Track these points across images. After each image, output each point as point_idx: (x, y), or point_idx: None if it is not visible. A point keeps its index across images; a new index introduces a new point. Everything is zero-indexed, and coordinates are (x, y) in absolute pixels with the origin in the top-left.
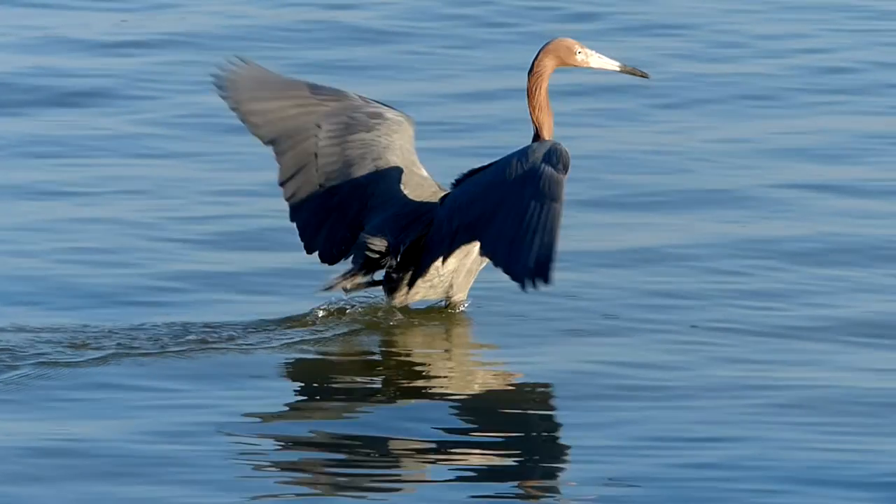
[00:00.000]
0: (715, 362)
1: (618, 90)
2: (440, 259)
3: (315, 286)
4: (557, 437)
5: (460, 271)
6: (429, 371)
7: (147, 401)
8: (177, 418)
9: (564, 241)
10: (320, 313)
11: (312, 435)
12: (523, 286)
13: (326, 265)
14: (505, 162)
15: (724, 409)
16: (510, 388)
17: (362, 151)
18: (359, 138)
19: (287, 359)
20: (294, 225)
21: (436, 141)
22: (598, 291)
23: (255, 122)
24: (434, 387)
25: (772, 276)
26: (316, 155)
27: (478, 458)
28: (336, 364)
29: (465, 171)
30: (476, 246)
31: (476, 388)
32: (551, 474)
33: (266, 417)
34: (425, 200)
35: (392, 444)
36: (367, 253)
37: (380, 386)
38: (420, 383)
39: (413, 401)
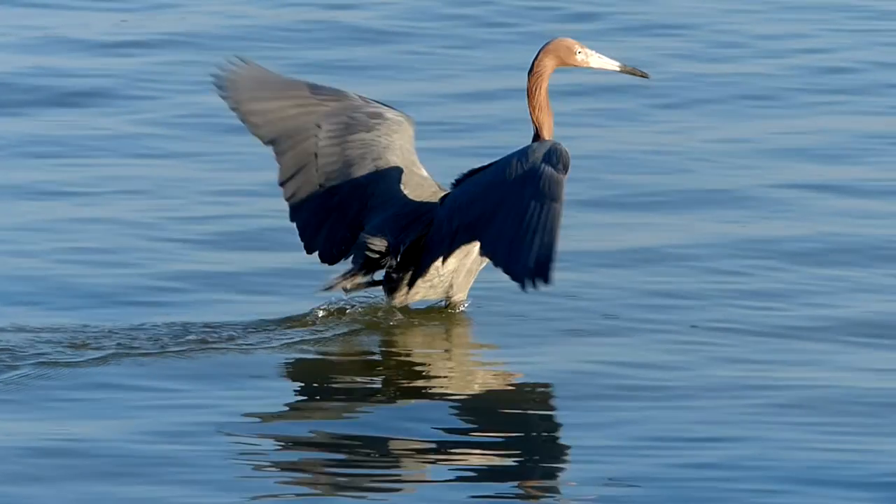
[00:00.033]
0: (715, 362)
1: (618, 90)
2: (440, 259)
3: (315, 286)
4: (557, 437)
5: (460, 271)
6: (429, 371)
7: (147, 401)
8: (177, 418)
9: (564, 241)
10: (320, 313)
11: (312, 435)
12: (523, 286)
13: (326, 265)
14: (505, 162)
15: (724, 409)
16: (510, 388)
17: (362, 151)
18: (359, 138)
19: (287, 359)
20: (294, 225)
21: (436, 141)
22: (598, 291)
23: (254, 122)
24: (434, 387)
25: (772, 276)
26: (316, 155)
27: (478, 458)
28: (336, 364)
29: (465, 171)
30: (476, 246)
31: (476, 388)
32: (551, 474)
33: (266, 417)
34: (425, 200)
35: (392, 444)
36: (367, 253)
37: (380, 386)
38: (420, 383)
39: (413, 401)
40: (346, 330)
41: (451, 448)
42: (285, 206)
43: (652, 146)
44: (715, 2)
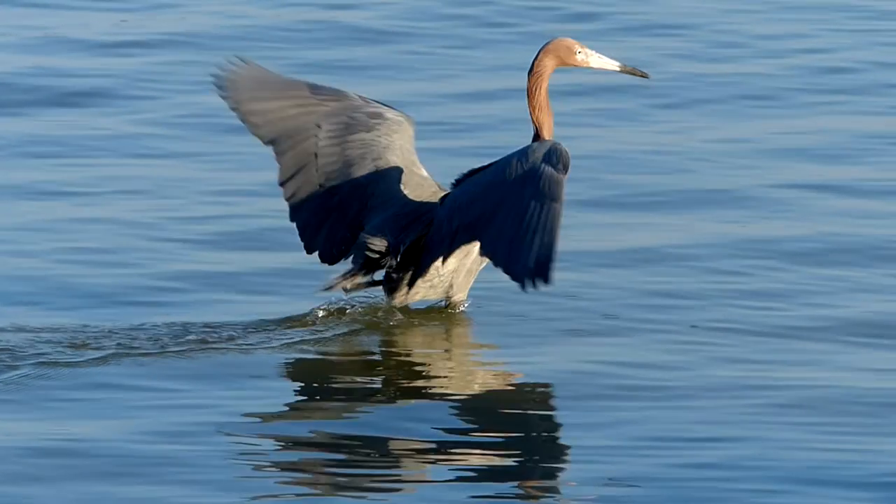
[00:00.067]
0: (715, 362)
1: (617, 90)
2: (440, 259)
3: (315, 286)
4: (557, 437)
5: (460, 271)
6: (429, 371)
7: (147, 401)
8: (177, 418)
9: (564, 241)
10: (320, 313)
11: (312, 435)
12: (523, 286)
13: (326, 265)
14: (505, 162)
15: (724, 409)
16: (510, 388)
17: (362, 151)
18: (359, 138)
19: (287, 359)
20: (294, 225)
21: (436, 141)
22: (598, 291)
23: (254, 122)
24: (434, 387)
25: (772, 276)
26: (316, 155)
27: (478, 459)
28: (336, 364)
29: (465, 171)
30: (476, 246)
31: (476, 388)
32: (551, 474)
33: (266, 417)
34: (425, 200)
35: (392, 445)
36: (367, 253)
37: (380, 386)
38: (420, 383)
39: (413, 401)
40: (346, 330)
41: (451, 448)
42: (285, 206)
43: (652, 146)
44: (715, 2)
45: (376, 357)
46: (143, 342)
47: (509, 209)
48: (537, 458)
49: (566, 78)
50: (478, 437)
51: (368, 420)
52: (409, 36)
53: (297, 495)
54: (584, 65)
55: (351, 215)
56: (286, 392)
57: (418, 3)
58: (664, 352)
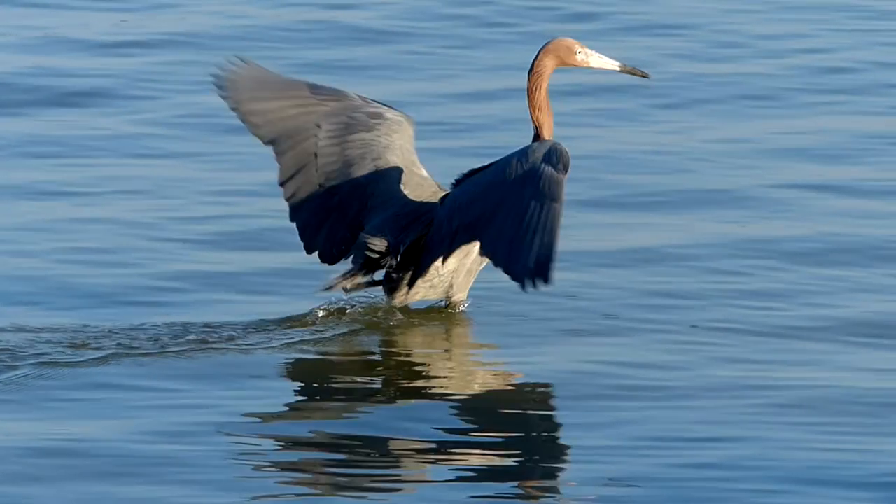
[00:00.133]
0: (715, 362)
1: (617, 90)
2: (440, 259)
3: (315, 286)
4: (557, 437)
5: (460, 271)
6: (429, 371)
7: (147, 401)
8: (177, 418)
9: (564, 241)
10: (320, 313)
11: (312, 435)
12: (523, 286)
13: (326, 265)
14: (505, 162)
15: (724, 410)
16: (510, 388)
17: (362, 151)
18: (359, 138)
19: (287, 359)
20: (294, 225)
21: (436, 141)
22: (598, 291)
23: (255, 122)
24: (434, 387)
25: (772, 275)
26: (316, 155)
27: (478, 459)
28: (336, 364)
29: (465, 171)
30: (476, 246)
31: (476, 389)
32: (551, 474)
33: (266, 417)
34: (425, 200)
35: (392, 445)
36: (367, 253)
37: (380, 386)
38: (420, 383)
39: (413, 401)
40: (346, 330)
41: (451, 448)
42: (285, 206)
43: (652, 146)
44: (715, 2)
45: (376, 357)
46: (143, 342)
47: (509, 209)
48: (537, 458)
49: (566, 78)
50: (478, 437)
51: (368, 420)
52: (408, 36)
53: (297, 495)
54: (585, 65)
55: (351, 215)
56: (286, 392)
57: (418, 3)
58: (664, 352)
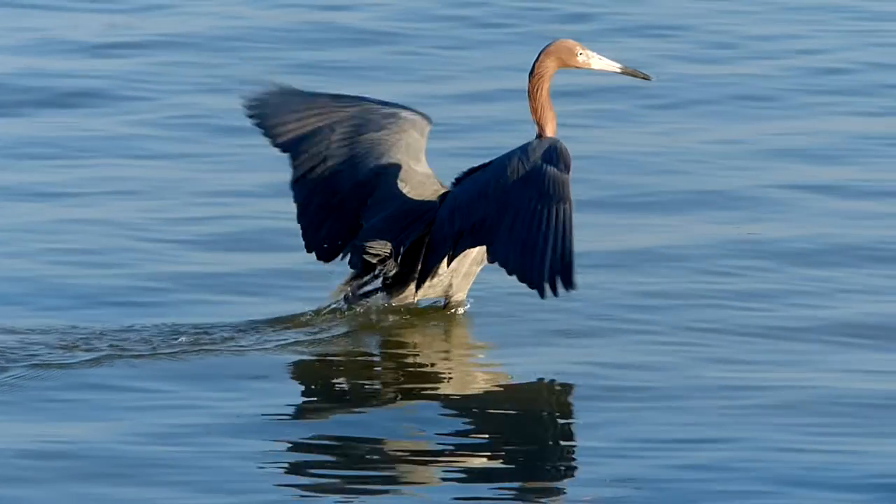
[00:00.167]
0: (713, 364)
1: (612, 91)
2: (441, 260)
3: (310, 287)
4: (557, 438)
5: (459, 271)
6: (428, 372)
7: (140, 402)
8: (170, 420)
9: None
10: (318, 314)
11: (308, 436)
12: (542, 293)
13: (323, 264)
14: (505, 161)
15: (716, 411)
16: (509, 389)
17: (368, 150)
18: (367, 138)
19: (281, 360)
20: (298, 226)
21: (433, 142)
22: (595, 293)
23: (278, 140)
24: (433, 388)
25: (765, 276)
26: (325, 157)
27: (476, 459)
28: (332, 365)
29: (465, 169)
30: (475, 247)
31: (475, 389)
32: (551, 475)
33: (260, 419)
34: (427, 199)
35: (390, 445)
36: (366, 257)
37: (378, 387)
38: (419, 384)
39: (412, 402)
40: (344, 330)
41: (450, 449)
42: (279, 207)
43: (646, 147)
44: (709, 3)
45: (375, 357)
46: (135, 343)
47: (515, 213)
48: (537, 458)
49: (561, 79)
50: (477, 437)
51: (364, 421)
52: (405, 37)
53: (294, 497)
54: (586, 66)
55: (350, 213)
56: (280, 393)
57: (414, 5)
58: (660, 353)
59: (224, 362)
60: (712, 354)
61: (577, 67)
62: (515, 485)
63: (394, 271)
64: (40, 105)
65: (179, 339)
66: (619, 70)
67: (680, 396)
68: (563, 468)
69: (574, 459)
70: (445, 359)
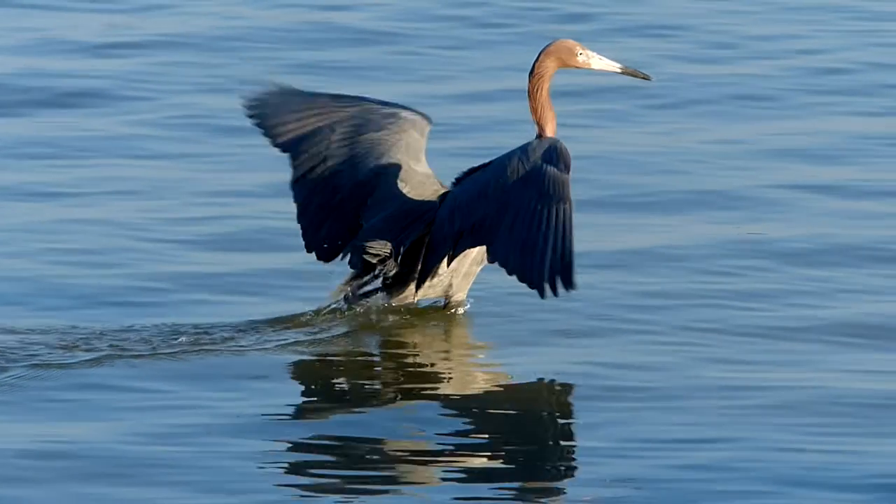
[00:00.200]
0: (713, 364)
1: (612, 91)
2: (441, 260)
3: (310, 287)
4: (557, 438)
5: (459, 271)
6: (427, 372)
7: (140, 402)
8: (170, 420)
9: None
10: (318, 314)
11: (307, 436)
12: (542, 293)
13: (322, 264)
14: (504, 161)
15: (716, 411)
16: (509, 389)
17: (367, 150)
18: (367, 138)
19: (281, 360)
20: (298, 226)
21: (433, 142)
22: (595, 293)
23: (278, 140)
24: (433, 388)
25: (764, 276)
26: (325, 157)
27: (476, 459)
28: (335, 364)
29: (465, 169)
30: (475, 247)
31: (475, 389)
32: (551, 475)
33: (260, 419)
34: (427, 199)
35: (390, 445)
36: (366, 257)
37: (378, 387)
38: (419, 384)
39: (411, 402)
40: (344, 330)
41: (450, 449)
42: (280, 206)
43: (646, 147)
44: (709, 3)
45: (375, 357)
46: (135, 343)
47: (515, 214)
48: (537, 458)
49: (561, 79)
50: (476, 437)
51: (366, 421)
52: (404, 37)
53: (294, 497)
54: (586, 66)
55: (350, 213)
56: (280, 393)
57: (413, 4)
58: (662, 353)
59: (224, 362)
60: (712, 354)
61: (577, 67)
62: (515, 485)
63: (394, 271)
64: (40, 105)
65: (179, 339)
66: (619, 70)
67: (680, 396)
68: (563, 468)
69: (574, 459)
70: (445, 359)
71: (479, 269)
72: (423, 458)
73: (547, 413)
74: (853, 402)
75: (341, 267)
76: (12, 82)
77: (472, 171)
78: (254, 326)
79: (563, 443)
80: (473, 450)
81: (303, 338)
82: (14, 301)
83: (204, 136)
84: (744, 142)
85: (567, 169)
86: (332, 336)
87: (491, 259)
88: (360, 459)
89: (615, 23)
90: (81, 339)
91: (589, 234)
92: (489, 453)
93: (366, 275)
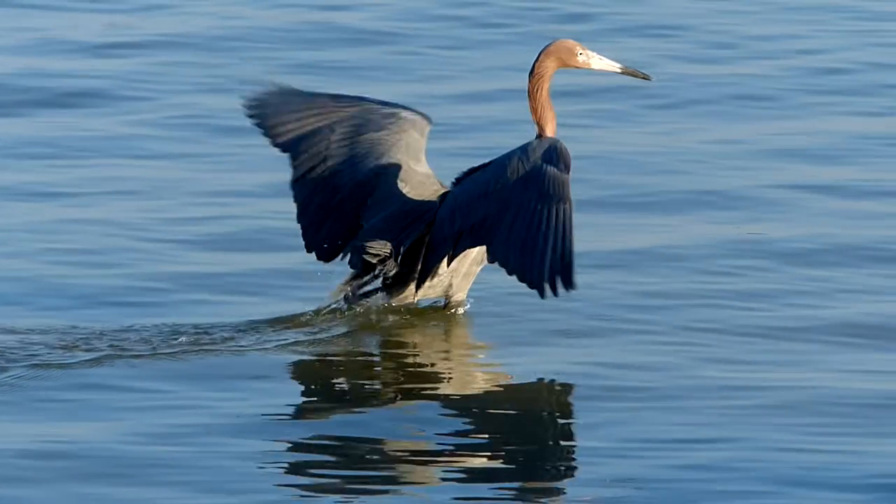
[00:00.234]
0: (713, 364)
1: (612, 91)
2: (441, 260)
3: (310, 287)
4: (557, 438)
5: (459, 271)
6: (428, 372)
7: (140, 402)
8: (170, 420)
9: None
10: (318, 314)
11: (307, 436)
12: (542, 293)
13: (322, 264)
14: (505, 161)
15: (716, 411)
16: (509, 389)
17: (368, 150)
18: (367, 138)
19: (281, 360)
20: (298, 225)
21: (433, 142)
22: (595, 293)
23: (278, 140)
24: (433, 388)
25: (764, 276)
26: (325, 157)
27: (476, 459)
28: (335, 364)
29: (465, 169)
30: (475, 247)
31: (475, 389)
32: (551, 475)
33: (260, 419)
34: (427, 199)
35: (390, 445)
36: (366, 257)
37: (378, 387)
38: (419, 384)
39: (411, 402)
40: (344, 330)
41: (450, 449)
42: (280, 206)
43: (646, 147)
44: (709, 3)
45: (375, 357)
46: (135, 343)
47: (515, 213)
48: (536, 458)
49: (561, 79)
50: (476, 437)
51: (366, 421)
52: (404, 37)
53: (294, 497)
54: (586, 66)
55: (350, 213)
56: (280, 393)
57: (414, 5)
58: (662, 353)
59: (224, 362)
60: (712, 354)
61: (577, 67)
62: (515, 485)
63: (394, 271)
64: (40, 105)
65: (179, 339)
66: (619, 70)
67: (680, 396)
68: (563, 468)
69: (574, 459)
70: (445, 359)
71: (479, 269)
72: (423, 458)
73: (547, 413)
74: (853, 402)
75: (341, 267)
76: (12, 82)
77: (472, 171)
78: (254, 326)
79: (563, 443)
80: (473, 450)
81: (303, 338)
82: (14, 301)
83: (204, 136)
84: (744, 142)
85: (567, 169)
86: (332, 336)
87: (491, 259)
88: (360, 459)
89: (615, 23)
90: (81, 339)
91: (589, 234)
92: (489, 453)
93: (366, 275)
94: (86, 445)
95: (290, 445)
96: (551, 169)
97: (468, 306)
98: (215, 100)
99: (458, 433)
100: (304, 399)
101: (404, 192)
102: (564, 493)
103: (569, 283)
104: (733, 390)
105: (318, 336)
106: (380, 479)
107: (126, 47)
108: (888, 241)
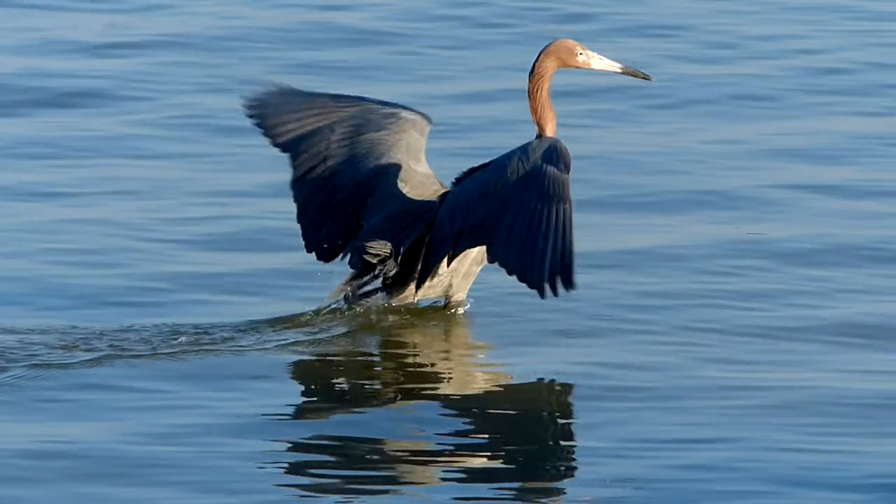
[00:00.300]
0: (713, 364)
1: (612, 91)
2: (441, 260)
3: (310, 287)
4: (557, 438)
5: (459, 271)
6: (428, 372)
7: (139, 402)
8: (170, 420)
9: None
10: (318, 314)
11: (307, 436)
12: (542, 293)
13: (322, 264)
14: (504, 161)
15: (716, 411)
16: (509, 389)
17: (368, 150)
18: (367, 138)
19: (281, 360)
20: (298, 225)
21: (433, 142)
22: (595, 293)
23: (278, 140)
24: (433, 388)
25: (764, 276)
26: (325, 157)
27: (476, 459)
28: (335, 364)
29: (465, 169)
30: (475, 247)
31: (475, 389)
32: (551, 475)
33: (262, 419)
34: (427, 199)
35: (390, 445)
36: (366, 257)
37: (378, 387)
38: (418, 384)
39: (412, 402)
40: (344, 330)
41: (450, 449)
42: (280, 206)
43: (646, 147)
44: (709, 3)
45: (375, 357)
46: (135, 343)
47: (515, 213)
48: (536, 458)
49: (561, 79)
50: (476, 437)
51: (366, 421)
52: (404, 37)
53: (294, 497)
54: (586, 66)
55: (350, 213)
56: (282, 393)
57: (414, 5)
58: (662, 353)
59: (224, 362)
60: (712, 354)
61: (577, 67)
62: (515, 485)
63: (394, 271)
64: (40, 105)
65: (179, 339)
66: (619, 70)
67: (680, 396)
68: (563, 468)
69: (574, 459)
70: (445, 359)
71: (479, 269)
72: (423, 458)
73: (547, 413)
74: (853, 402)
75: (341, 267)
76: (12, 82)
77: (473, 171)
78: (254, 326)
79: (563, 443)
80: (473, 450)
81: (303, 338)
82: (14, 301)
83: (204, 136)
84: (744, 142)
85: (567, 169)
86: (332, 336)
87: (491, 259)
88: (360, 459)
89: (615, 23)
90: (81, 339)
91: (589, 234)
92: (489, 453)
93: (366, 275)
94: (86, 445)
95: (290, 445)
96: (551, 169)
97: (468, 306)
98: (215, 100)
99: (458, 433)
100: (304, 399)
101: (404, 192)
102: (564, 493)
103: (569, 283)
104: (733, 390)
105: (318, 336)
106: (380, 479)
107: (126, 47)
108: (888, 241)
